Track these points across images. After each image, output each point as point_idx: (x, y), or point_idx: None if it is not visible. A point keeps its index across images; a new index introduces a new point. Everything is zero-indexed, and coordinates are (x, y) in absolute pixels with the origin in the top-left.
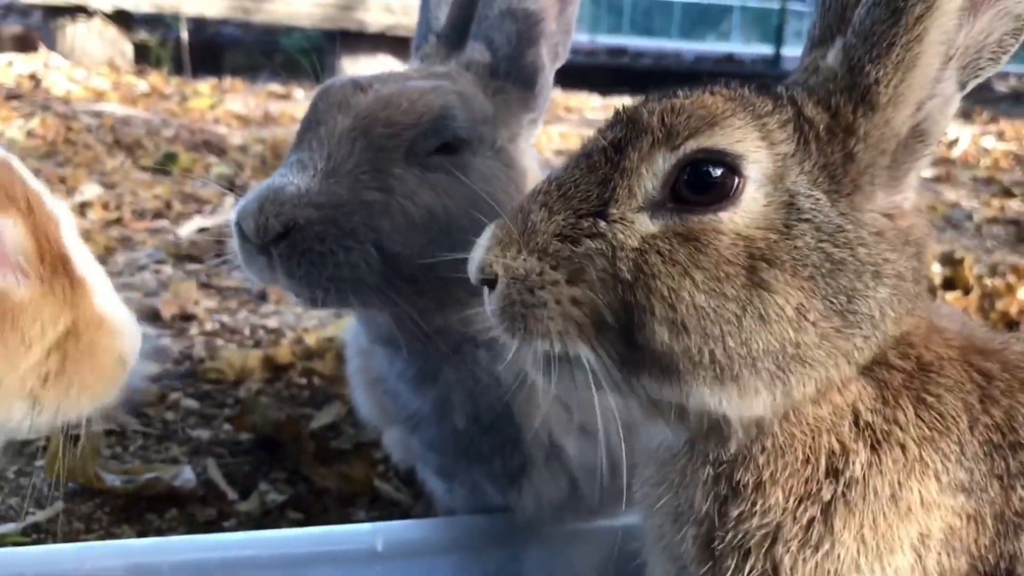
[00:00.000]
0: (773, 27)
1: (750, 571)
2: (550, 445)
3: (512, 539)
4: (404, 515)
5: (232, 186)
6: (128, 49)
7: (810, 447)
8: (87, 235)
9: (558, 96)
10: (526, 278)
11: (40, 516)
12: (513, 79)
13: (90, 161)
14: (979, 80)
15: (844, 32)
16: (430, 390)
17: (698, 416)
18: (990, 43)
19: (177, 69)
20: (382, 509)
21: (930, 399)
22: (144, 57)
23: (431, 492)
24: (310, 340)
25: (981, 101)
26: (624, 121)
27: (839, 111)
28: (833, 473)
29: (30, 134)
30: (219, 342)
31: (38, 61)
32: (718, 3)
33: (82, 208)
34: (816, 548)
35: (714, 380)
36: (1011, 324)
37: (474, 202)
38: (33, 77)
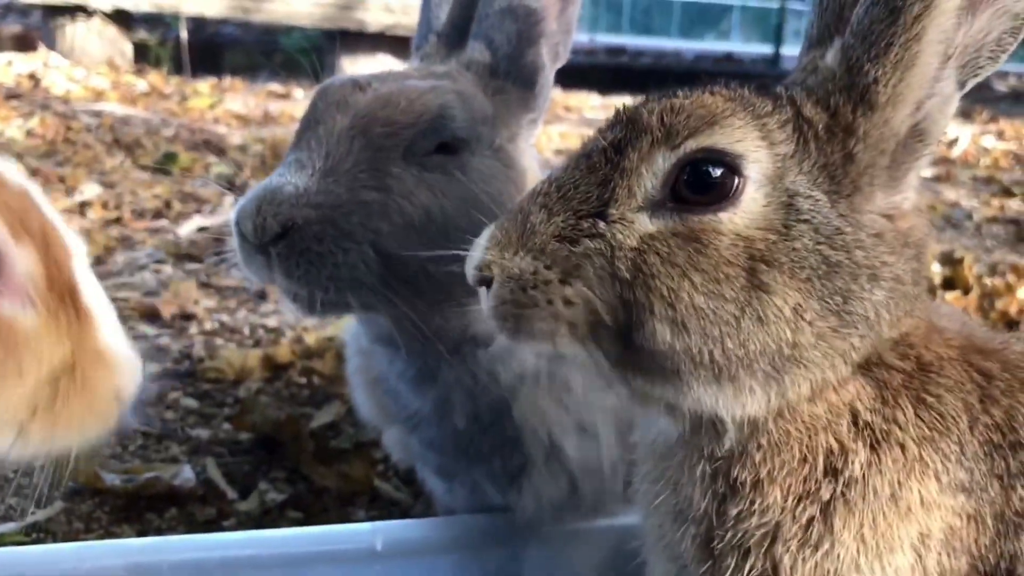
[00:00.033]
0: (773, 26)
1: (750, 570)
2: (550, 445)
3: (512, 539)
4: (404, 515)
5: (232, 186)
6: (128, 49)
7: (807, 445)
8: (87, 235)
9: (557, 95)
10: (520, 277)
11: (40, 516)
12: (513, 79)
13: (90, 160)
14: (978, 79)
15: (842, 32)
16: (430, 390)
17: (690, 413)
18: (989, 42)
19: (177, 69)
20: (382, 509)
21: (930, 399)
22: (144, 57)
23: (431, 492)
24: (310, 339)
25: (981, 100)
26: (624, 121)
27: (838, 111)
28: (832, 472)
29: (29, 133)
30: (219, 341)
31: (37, 60)
32: (717, 2)
33: (82, 208)
34: (816, 547)
35: (711, 380)
36: (1011, 324)
37: (473, 202)
38: (32, 76)
